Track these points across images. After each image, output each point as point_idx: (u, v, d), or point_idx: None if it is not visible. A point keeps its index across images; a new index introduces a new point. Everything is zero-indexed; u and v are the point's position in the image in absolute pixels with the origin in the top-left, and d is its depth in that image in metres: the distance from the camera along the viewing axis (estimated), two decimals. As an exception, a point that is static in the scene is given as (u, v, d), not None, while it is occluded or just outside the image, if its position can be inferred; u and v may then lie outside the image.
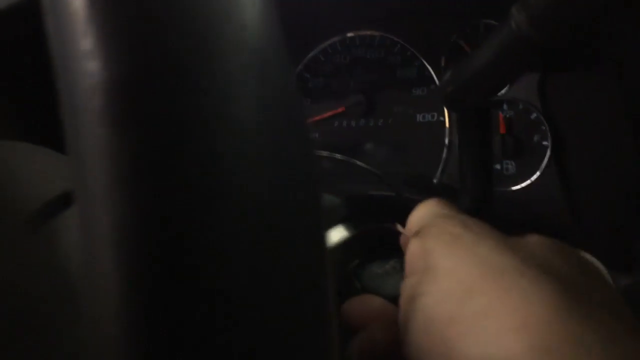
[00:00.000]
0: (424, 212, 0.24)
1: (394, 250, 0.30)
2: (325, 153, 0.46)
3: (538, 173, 0.49)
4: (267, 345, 0.10)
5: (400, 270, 0.30)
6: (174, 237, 0.09)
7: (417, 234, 0.22)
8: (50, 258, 0.20)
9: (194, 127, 0.09)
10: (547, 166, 0.49)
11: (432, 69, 0.56)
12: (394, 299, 0.28)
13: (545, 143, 0.49)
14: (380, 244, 0.32)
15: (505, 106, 0.51)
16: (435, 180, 0.53)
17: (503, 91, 0.51)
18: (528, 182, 0.50)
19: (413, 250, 0.22)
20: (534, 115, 0.50)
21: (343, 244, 0.32)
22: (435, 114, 0.55)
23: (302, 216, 0.11)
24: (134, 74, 0.09)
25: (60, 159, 0.24)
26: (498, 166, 0.51)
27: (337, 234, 0.32)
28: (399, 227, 0.28)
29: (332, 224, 0.33)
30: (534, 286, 0.17)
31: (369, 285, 0.30)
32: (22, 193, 0.21)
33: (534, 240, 0.20)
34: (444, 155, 0.54)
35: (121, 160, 0.08)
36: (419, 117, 0.56)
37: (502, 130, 0.51)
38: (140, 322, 0.09)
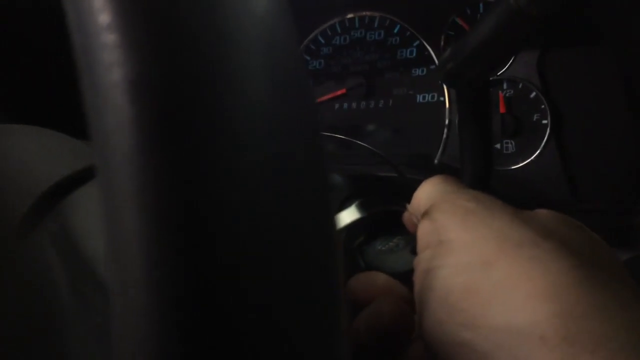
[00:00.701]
0: (431, 188, 0.25)
1: (396, 227, 0.31)
2: (327, 133, 0.46)
3: (538, 152, 0.49)
4: (280, 301, 0.10)
5: (403, 247, 0.31)
6: (193, 200, 0.09)
7: (428, 209, 0.23)
8: (57, 243, 0.20)
9: (208, 95, 0.09)
10: (546, 145, 0.49)
11: (432, 49, 0.56)
12: (398, 275, 0.28)
13: (544, 122, 0.49)
14: (384, 221, 0.33)
15: (505, 85, 0.52)
16: (436, 161, 0.54)
17: (502, 70, 0.51)
18: (528, 160, 0.50)
19: (425, 225, 0.22)
20: (533, 94, 0.50)
21: (350, 224, 0.32)
22: (436, 94, 0.56)
23: (310, 184, 0.12)
24: (150, 46, 0.09)
25: (68, 141, 0.24)
26: (498, 145, 0.51)
27: (348, 216, 0.33)
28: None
29: (335, 202, 0.34)
30: (552, 256, 0.17)
31: (373, 263, 0.31)
32: (33, 174, 0.21)
33: (544, 213, 0.21)
34: (445, 135, 0.54)
35: (142, 128, 0.09)
36: (419, 98, 0.56)
37: (501, 109, 0.51)
38: (168, 275, 0.09)
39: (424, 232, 0.22)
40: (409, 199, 0.27)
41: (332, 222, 0.12)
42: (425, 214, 0.23)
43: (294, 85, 0.11)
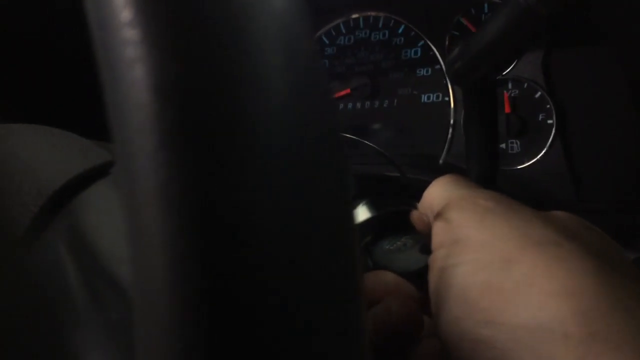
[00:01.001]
0: (443, 188, 0.25)
1: (403, 227, 0.31)
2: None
3: (543, 151, 0.49)
4: (303, 298, 0.10)
5: (411, 246, 0.31)
6: (216, 197, 0.09)
7: (442, 208, 0.23)
8: (69, 241, 0.21)
9: (231, 91, 0.10)
10: (552, 144, 0.49)
11: (437, 49, 0.56)
12: (406, 274, 0.28)
13: (550, 121, 0.49)
14: (390, 221, 0.33)
15: (510, 85, 0.52)
16: (441, 161, 0.54)
17: (508, 70, 0.51)
18: (533, 160, 0.50)
19: (440, 223, 0.22)
20: (538, 94, 0.50)
21: (360, 223, 0.32)
22: (440, 94, 0.56)
23: (331, 181, 0.12)
24: (173, 42, 0.09)
25: (78, 141, 0.24)
26: (503, 145, 0.51)
27: (360, 214, 0.33)
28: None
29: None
30: (572, 256, 0.18)
31: (381, 262, 0.31)
32: (43, 174, 0.21)
33: (561, 215, 0.21)
34: (449, 135, 0.54)
35: (164, 124, 0.09)
36: (424, 98, 0.56)
37: (507, 109, 0.51)
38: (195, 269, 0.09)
39: (438, 231, 0.22)
40: (415, 198, 0.27)
41: (352, 218, 0.12)
42: (439, 213, 0.23)
43: (313, 81, 0.11)
